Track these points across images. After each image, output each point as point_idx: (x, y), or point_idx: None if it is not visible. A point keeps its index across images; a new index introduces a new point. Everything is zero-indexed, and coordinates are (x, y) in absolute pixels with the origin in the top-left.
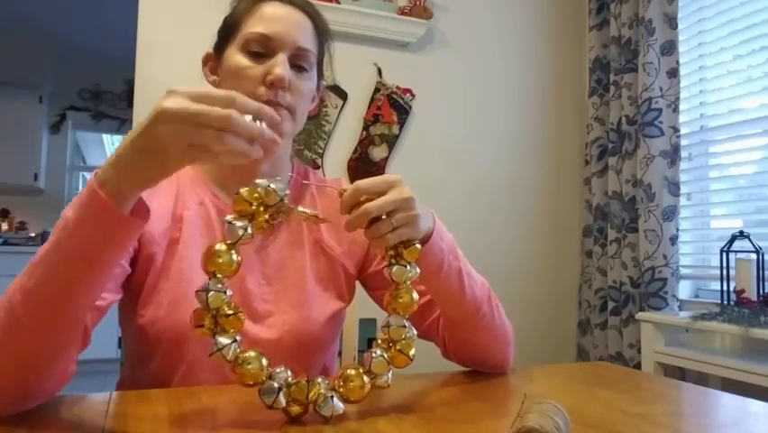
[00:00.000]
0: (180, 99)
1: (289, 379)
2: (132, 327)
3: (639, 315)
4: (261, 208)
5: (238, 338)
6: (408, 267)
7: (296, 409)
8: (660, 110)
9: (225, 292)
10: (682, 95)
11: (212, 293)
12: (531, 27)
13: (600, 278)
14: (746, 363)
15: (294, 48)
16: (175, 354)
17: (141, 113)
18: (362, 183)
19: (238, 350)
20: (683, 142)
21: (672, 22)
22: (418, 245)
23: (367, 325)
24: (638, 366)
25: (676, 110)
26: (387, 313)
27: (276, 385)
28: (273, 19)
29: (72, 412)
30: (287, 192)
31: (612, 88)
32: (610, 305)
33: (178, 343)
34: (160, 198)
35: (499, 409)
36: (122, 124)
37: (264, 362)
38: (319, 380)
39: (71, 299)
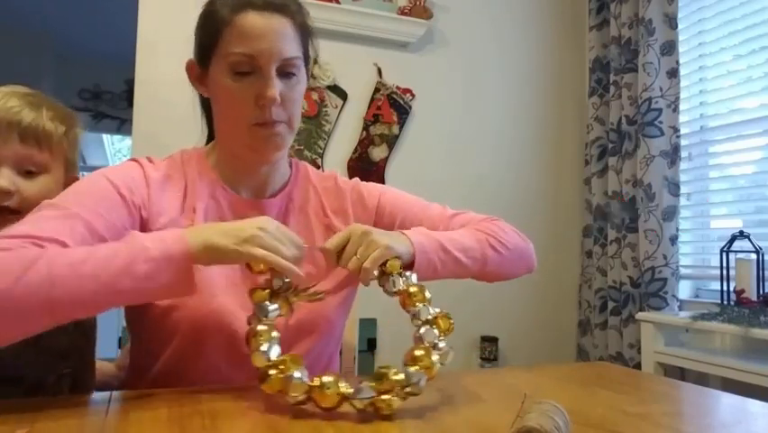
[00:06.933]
0: (268, 236)
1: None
2: (146, 319)
3: (639, 315)
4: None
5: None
6: (393, 277)
7: (385, 403)
8: (660, 110)
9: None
10: (682, 95)
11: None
12: (531, 27)
13: (600, 278)
14: (746, 363)
15: (280, 60)
16: (190, 344)
17: (141, 113)
18: (328, 245)
19: (306, 380)
20: (683, 142)
21: (671, 22)
22: (396, 261)
23: (367, 325)
24: (638, 366)
25: (676, 110)
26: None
27: (361, 385)
28: (254, 35)
29: (72, 412)
30: (286, 279)
31: (612, 88)
32: (610, 305)
33: (194, 332)
34: (171, 191)
35: (499, 409)
36: (122, 124)
37: (342, 385)
38: (392, 369)
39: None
